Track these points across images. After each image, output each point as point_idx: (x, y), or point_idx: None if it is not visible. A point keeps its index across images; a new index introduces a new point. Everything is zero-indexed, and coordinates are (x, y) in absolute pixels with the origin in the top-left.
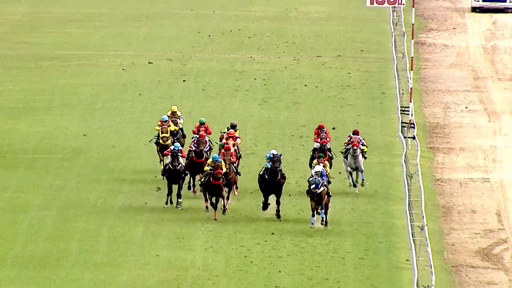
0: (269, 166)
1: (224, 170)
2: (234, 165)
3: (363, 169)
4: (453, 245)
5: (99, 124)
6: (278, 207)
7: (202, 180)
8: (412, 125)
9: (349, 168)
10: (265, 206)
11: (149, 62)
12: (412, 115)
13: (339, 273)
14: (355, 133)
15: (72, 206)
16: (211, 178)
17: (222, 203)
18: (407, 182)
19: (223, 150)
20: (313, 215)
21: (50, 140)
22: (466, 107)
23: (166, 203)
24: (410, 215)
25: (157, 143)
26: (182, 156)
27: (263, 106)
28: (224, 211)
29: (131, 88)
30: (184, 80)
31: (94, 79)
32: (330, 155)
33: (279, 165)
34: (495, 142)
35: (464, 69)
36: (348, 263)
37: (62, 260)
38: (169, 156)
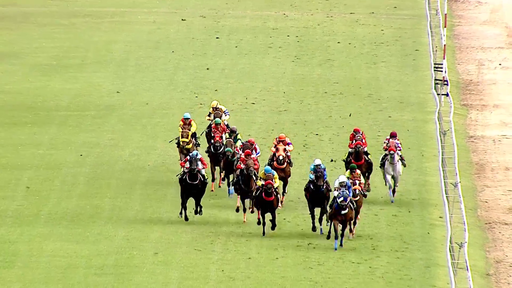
0: (312, 177)
1: (277, 183)
2: (256, 173)
3: (399, 180)
4: (486, 202)
5: (132, 81)
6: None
7: (254, 194)
8: (445, 82)
9: (387, 176)
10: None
11: (182, 19)
12: (445, 72)
13: (372, 230)
14: (393, 135)
15: (105, 163)
16: (263, 194)
17: (272, 218)
18: (440, 139)
19: (242, 156)
20: (336, 237)
21: (83, 97)
22: (500, 64)
23: (181, 216)
24: (443, 172)
25: (178, 144)
26: (203, 165)
27: (296, 63)
28: (273, 227)
29: (164, 45)
30: (217, 37)
31: (127, 36)
32: (367, 158)
33: (323, 182)
34: None
35: (498, 26)
36: (381, 220)
37: (95, 217)
38: (187, 163)
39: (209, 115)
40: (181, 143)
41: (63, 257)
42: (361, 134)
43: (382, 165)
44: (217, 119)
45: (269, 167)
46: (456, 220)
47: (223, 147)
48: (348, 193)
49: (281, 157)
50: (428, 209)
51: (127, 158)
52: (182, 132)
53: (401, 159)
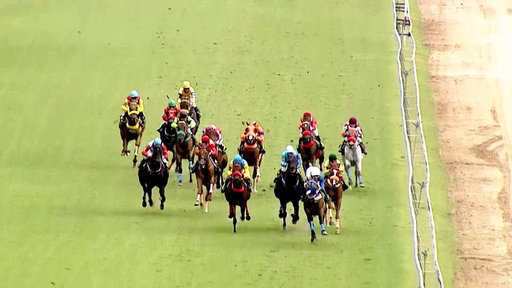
0: (284, 165)
1: (247, 173)
2: (215, 161)
3: (360, 169)
4: (448, 142)
5: (94, 22)
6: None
7: (223, 187)
8: (407, 22)
9: (347, 162)
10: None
11: None
12: (407, 12)
13: None
14: (352, 121)
15: (67, 103)
16: (232, 185)
17: (244, 211)
18: (402, 79)
19: (200, 142)
20: (310, 219)
21: (45, 37)
22: (462, 4)
23: (144, 204)
24: (405, 112)
25: (122, 125)
26: (165, 157)
27: (258, 3)
28: (247, 217)
29: None
30: None
31: None
32: (319, 144)
33: (296, 166)
34: (490, 39)
35: None
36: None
37: (57, 158)
38: (148, 152)
39: (180, 97)
40: (127, 124)
41: (25, 197)
42: (311, 119)
43: (342, 152)
44: (172, 101)
45: (238, 156)
46: (417, 160)
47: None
48: (318, 184)
49: (250, 137)
50: (390, 149)
51: (89, 99)
52: (130, 105)
53: (361, 145)
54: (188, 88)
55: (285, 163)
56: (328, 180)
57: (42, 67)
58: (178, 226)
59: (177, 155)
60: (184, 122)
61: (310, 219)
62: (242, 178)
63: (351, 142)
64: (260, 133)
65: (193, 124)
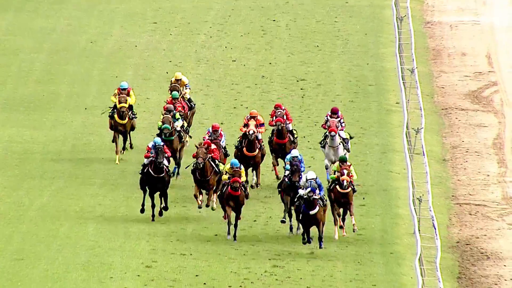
0: (288, 169)
1: (244, 178)
2: (216, 162)
3: None
4: (443, 87)
5: None
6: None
7: (220, 191)
8: None
9: (326, 161)
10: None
11: None
12: None
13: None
14: (334, 112)
15: (62, 49)
16: (229, 188)
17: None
18: (397, 24)
19: (198, 146)
20: (306, 234)
21: None
22: None
23: (143, 210)
24: (400, 58)
25: (111, 116)
26: (167, 156)
27: None
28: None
29: None
30: None
31: None
32: (292, 138)
33: (299, 178)
34: None
35: None
36: (337, 104)
37: (52, 103)
38: (150, 156)
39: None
40: (116, 116)
41: (20, 143)
42: (284, 110)
43: (323, 147)
44: (175, 92)
45: (236, 161)
46: (412, 106)
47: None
48: (317, 186)
49: (251, 132)
50: (385, 95)
51: (84, 44)
52: (119, 97)
53: (344, 142)
54: (180, 79)
55: (289, 167)
56: (337, 186)
57: (37, 12)
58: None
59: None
60: (170, 117)
61: (308, 236)
62: (240, 184)
63: (332, 133)
64: (261, 125)
65: (179, 123)
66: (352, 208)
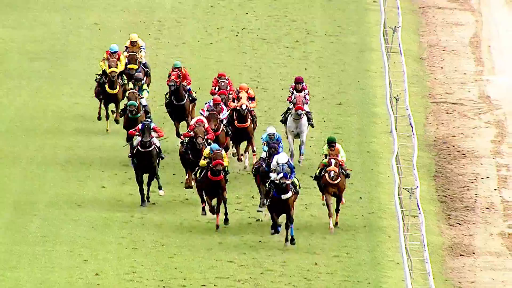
0: (265, 150)
1: (226, 162)
2: (209, 141)
3: (304, 139)
4: None
5: None
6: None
7: (198, 176)
8: None
9: (290, 136)
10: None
11: None
12: None
13: (306, 15)
14: (298, 81)
15: None
16: (209, 173)
17: (224, 208)
18: None
19: (192, 123)
20: (275, 225)
21: None
22: None
23: (143, 202)
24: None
25: (99, 82)
26: (158, 135)
27: None
28: (226, 220)
29: None
30: None
31: None
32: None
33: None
34: None
35: None
36: (315, 5)
37: (32, 2)
38: (136, 136)
39: (126, 50)
40: (108, 74)
41: None
42: (227, 80)
43: (284, 121)
44: (177, 62)
45: (216, 145)
46: (390, 4)
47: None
48: (290, 171)
49: (244, 106)
50: None
51: None
52: (110, 62)
53: (307, 114)
54: (136, 41)
55: (267, 148)
56: (326, 175)
57: None
58: None
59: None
60: (136, 91)
61: (275, 225)
62: (222, 167)
63: (299, 111)
64: (251, 99)
65: (146, 94)
66: (341, 196)
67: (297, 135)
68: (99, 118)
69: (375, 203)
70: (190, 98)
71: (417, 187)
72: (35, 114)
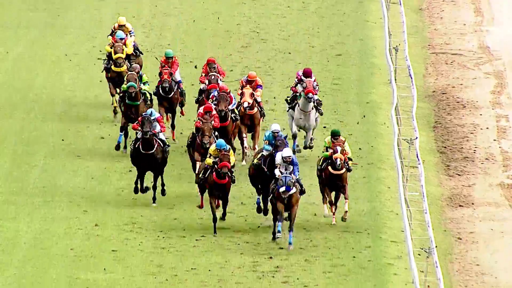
0: (268, 149)
1: (233, 162)
2: (216, 133)
3: (312, 133)
4: None
5: None
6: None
7: (201, 175)
8: None
9: (294, 128)
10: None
11: None
12: None
13: None
14: (307, 73)
15: None
16: (214, 175)
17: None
18: None
19: (200, 111)
20: (278, 220)
21: None
22: None
23: (136, 190)
24: None
25: (107, 69)
26: (161, 128)
27: None
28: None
29: None
30: None
31: None
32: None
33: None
34: None
35: None
36: None
37: None
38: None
39: (111, 34)
40: (112, 67)
41: None
42: (217, 67)
43: (292, 109)
44: (168, 50)
45: (222, 141)
46: None
47: (173, 88)
48: (292, 178)
49: (246, 104)
50: None
51: None
52: (115, 47)
53: (317, 105)
54: (124, 25)
55: (269, 147)
56: (329, 167)
57: None
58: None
59: (122, 119)
60: (135, 74)
61: (277, 219)
62: (228, 170)
63: (310, 94)
64: (258, 86)
65: (146, 87)
66: (347, 191)
67: (304, 128)
68: (115, 112)
69: (374, 153)
70: (180, 91)
71: (417, 138)
72: (32, 65)
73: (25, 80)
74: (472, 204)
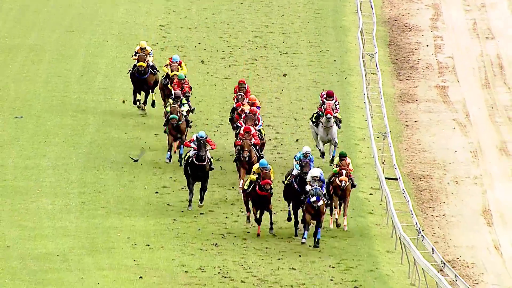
0: (298, 168)
1: (273, 177)
2: (256, 148)
3: (336, 141)
4: None
5: None
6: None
7: (247, 189)
8: None
9: (321, 144)
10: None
11: None
12: None
13: None
14: (329, 95)
15: None
16: (257, 188)
17: (270, 219)
18: None
19: (241, 132)
20: (306, 229)
21: None
22: None
23: (190, 205)
24: None
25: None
26: (210, 146)
27: None
28: (271, 228)
29: None
30: None
31: None
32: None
33: (308, 169)
34: None
35: None
36: None
37: None
38: (192, 147)
39: (135, 55)
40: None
41: None
42: (246, 88)
43: (316, 126)
44: (180, 73)
45: (264, 161)
46: None
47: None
48: (321, 190)
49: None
50: None
51: None
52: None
53: (337, 121)
54: (145, 48)
55: (299, 166)
56: (337, 179)
57: None
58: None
59: (169, 137)
60: (177, 106)
61: (306, 228)
62: (271, 186)
63: (328, 115)
64: (256, 106)
65: (185, 108)
66: (347, 205)
67: (328, 141)
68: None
69: (345, 64)
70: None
71: (376, 52)
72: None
73: (29, 20)
74: (416, 100)
